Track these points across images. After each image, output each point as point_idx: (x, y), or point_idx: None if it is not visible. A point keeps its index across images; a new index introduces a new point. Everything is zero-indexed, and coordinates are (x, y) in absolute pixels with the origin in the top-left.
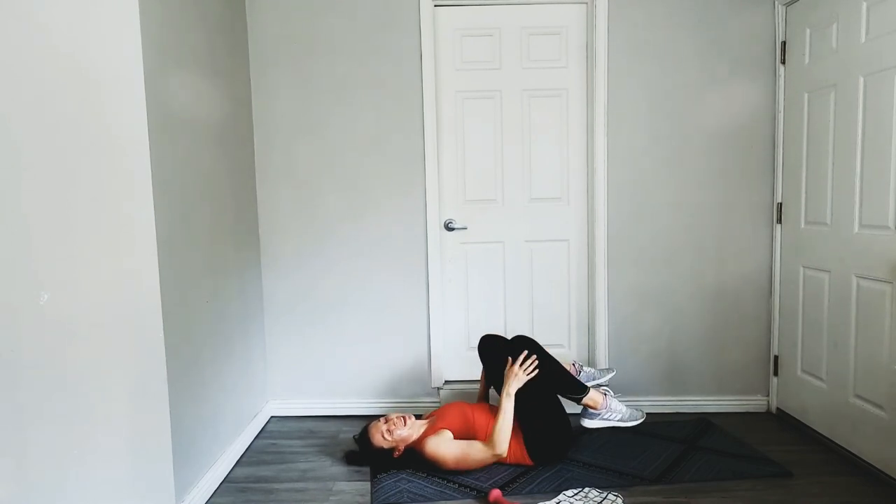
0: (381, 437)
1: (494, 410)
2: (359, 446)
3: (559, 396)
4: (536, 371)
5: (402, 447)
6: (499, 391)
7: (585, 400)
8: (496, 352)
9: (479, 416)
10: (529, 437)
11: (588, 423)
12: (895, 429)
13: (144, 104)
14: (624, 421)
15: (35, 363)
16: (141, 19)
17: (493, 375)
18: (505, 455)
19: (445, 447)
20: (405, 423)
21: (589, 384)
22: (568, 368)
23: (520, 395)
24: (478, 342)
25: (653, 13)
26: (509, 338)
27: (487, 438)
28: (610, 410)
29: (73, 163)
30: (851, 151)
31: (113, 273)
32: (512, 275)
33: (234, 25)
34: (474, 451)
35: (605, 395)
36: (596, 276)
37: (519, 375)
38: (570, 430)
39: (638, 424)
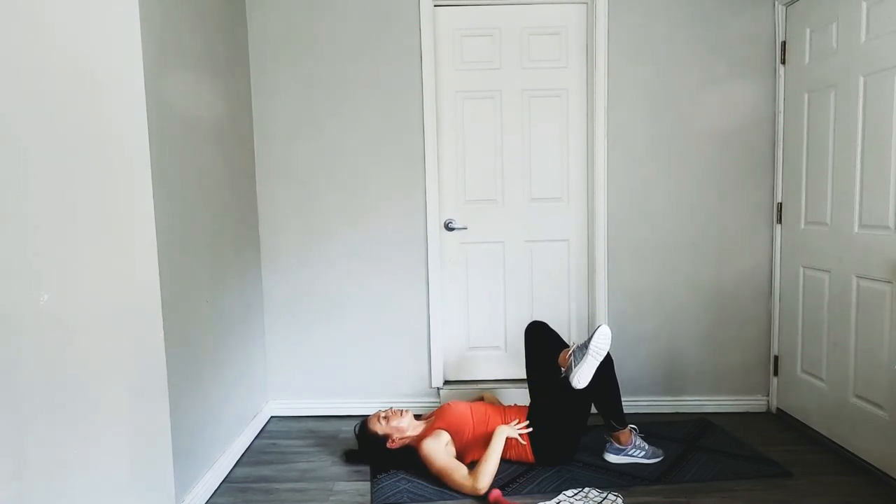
0: (377, 421)
1: (501, 410)
2: (357, 435)
3: (594, 412)
4: (531, 429)
5: (396, 438)
6: (532, 380)
7: (618, 433)
8: (542, 343)
9: (481, 412)
10: (541, 437)
11: (612, 458)
12: (895, 429)
13: (144, 104)
14: (647, 458)
15: (35, 363)
16: (141, 19)
17: (532, 364)
18: (483, 493)
19: (437, 455)
20: (402, 415)
21: (629, 454)
22: (628, 430)
23: (558, 391)
24: (526, 327)
25: (653, 13)
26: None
27: (473, 471)
28: (635, 447)
29: (73, 163)
30: (851, 151)
31: (113, 273)
32: (512, 275)
33: (234, 25)
34: (457, 476)
35: (632, 432)
36: (596, 276)
37: (512, 433)
38: (581, 437)
39: (658, 462)
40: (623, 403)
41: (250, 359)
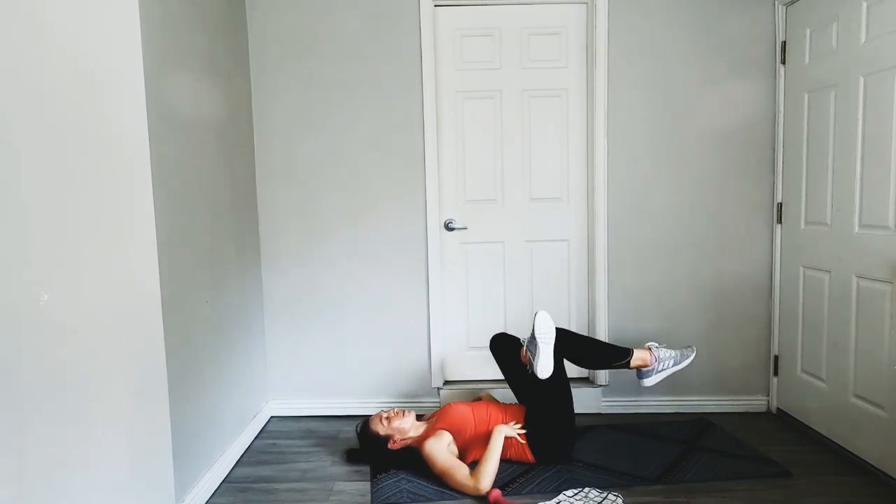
0: (379, 422)
1: (502, 408)
2: (358, 435)
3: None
4: (524, 431)
5: (397, 438)
6: (514, 388)
7: (634, 362)
8: (509, 352)
9: (482, 412)
10: (534, 436)
11: (647, 382)
12: (895, 429)
13: (144, 104)
14: (678, 364)
15: (35, 363)
16: (141, 19)
17: (507, 374)
18: (485, 493)
19: (438, 454)
20: (404, 415)
21: (663, 368)
22: (645, 349)
23: (533, 390)
24: (489, 344)
25: (653, 13)
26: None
27: (474, 471)
28: (660, 361)
29: (73, 163)
30: (851, 151)
31: (113, 273)
32: (512, 275)
33: (234, 25)
34: (459, 476)
35: (651, 349)
36: (596, 276)
37: (510, 431)
38: (576, 431)
39: (693, 359)
40: (615, 363)
41: (250, 359)
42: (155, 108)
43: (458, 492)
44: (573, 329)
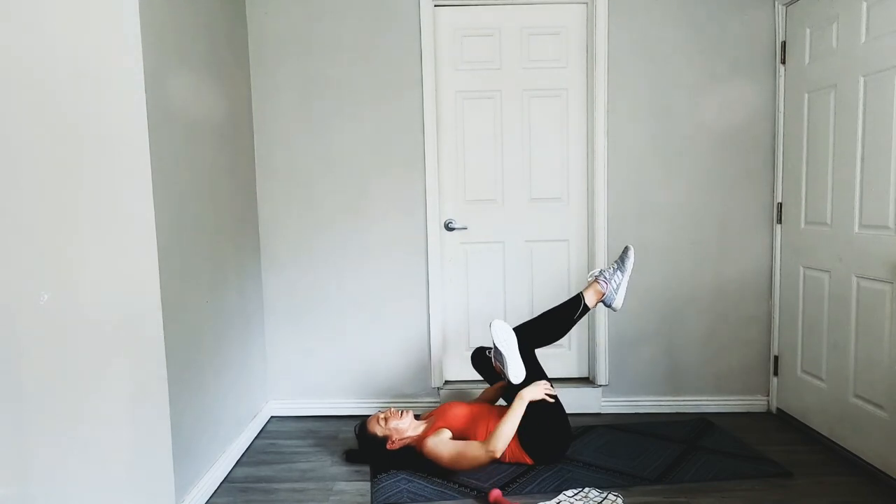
0: (377, 422)
1: (497, 410)
2: (357, 436)
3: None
4: (553, 399)
5: (395, 438)
6: (503, 397)
7: (591, 301)
8: (487, 365)
9: (481, 415)
10: (527, 438)
11: (616, 305)
12: (895, 429)
13: (144, 104)
14: (626, 270)
15: (35, 363)
16: (141, 19)
17: (492, 384)
18: (500, 455)
19: (443, 445)
20: (401, 415)
21: (618, 284)
22: (591, 283)
23: (517, 394)
24: (471, 360)
25: (653, 13)
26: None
27: (487, 435)
28: (608, 281)
29: (73, 162)
30: (851, 151)
31: (113, 273)
32: (512, 275)
33: (234, 25)
34: (470, 450)
35: (598, 278)
36: None
37: (539, 392)
38: (569, 429)
39: (633, 255)
40: (576, 316)
41: (250, 359)
42: (155, 108)
43: (473, 468)
44: (573, 330)
